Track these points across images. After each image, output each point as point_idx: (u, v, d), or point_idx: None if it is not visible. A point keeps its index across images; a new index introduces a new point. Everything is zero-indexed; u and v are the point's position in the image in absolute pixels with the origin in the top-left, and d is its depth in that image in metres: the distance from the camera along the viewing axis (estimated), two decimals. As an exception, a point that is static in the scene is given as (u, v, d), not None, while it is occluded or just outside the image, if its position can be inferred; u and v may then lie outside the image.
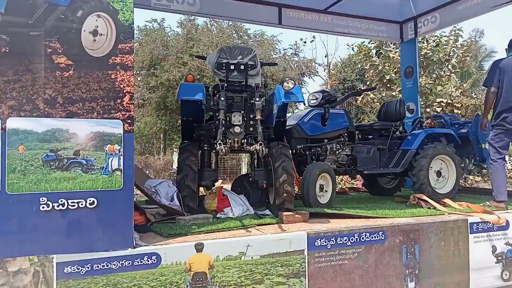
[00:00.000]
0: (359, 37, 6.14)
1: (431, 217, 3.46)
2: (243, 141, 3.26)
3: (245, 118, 3.27)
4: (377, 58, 13.72)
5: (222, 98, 3.04)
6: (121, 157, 2.32)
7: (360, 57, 14.72)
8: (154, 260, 2.35)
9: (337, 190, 5.81)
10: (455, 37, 13.45)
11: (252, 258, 2.62)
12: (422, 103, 15.07)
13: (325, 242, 2.85)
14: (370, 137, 4.62)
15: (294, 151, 4.01)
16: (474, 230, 3.43)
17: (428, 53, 14.43)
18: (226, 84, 3.22)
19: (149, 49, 16.56)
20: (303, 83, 19.77)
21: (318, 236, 2.84)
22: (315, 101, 4.17)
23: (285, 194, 3.20)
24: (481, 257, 3.44)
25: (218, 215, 3.25)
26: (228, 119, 3.24)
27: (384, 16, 6.24)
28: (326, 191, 3.76)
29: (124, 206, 2.32)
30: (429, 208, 3.82)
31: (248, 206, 3.40)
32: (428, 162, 4.18)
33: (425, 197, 3.93)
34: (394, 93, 13.24)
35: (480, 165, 4.77)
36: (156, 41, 16.69)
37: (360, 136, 4.81)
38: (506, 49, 4.24)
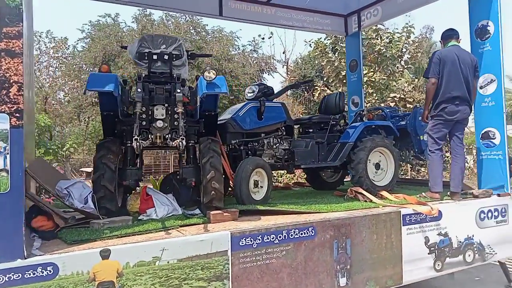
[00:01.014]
0: (304, 30, 6.05)
1: (364, 210, 3.40)
2: (167, 136, 3.04)
3: (170, 112, 3.06)
4: (333, 54, 13.89)
5: (139, 90, 2.81)
6: (8, 156, 2.05)
7: (316, 53, 14.91)
8: (50, 271, 2.09)
9: (281, 185, 5.74)
10: (407, 34, 13.89)
11: (168, 262, 2.42)
12: (376, 98, 15.49)
13: (251, 241, 2.70)
14: (310, 130, 4.54)
15: (229, 147, 3.84)
16: (407, 222, 3.41)
17: (382, 49, 14.81)
18: (144, 75, 2.99)
19: (102, 45, 15.84)
20: (262, 80, 19.69)
21: (243, 235, 2.68)
22: (251, 94, 4.01)
23: (213, 192, 3.02)
24: (413, 248, 3.42)
25: (140, 217, 3.02)
26: (150, 113, 3.02)
27: (329, 9, 6.18)
28: (262, 187, 3.62)
29: (12, 212, 2.04)
30: (365, 201, 3.78)
31: (176, 206, 3.20)
32: (366, 155, 4.14)
33: (361, 190, 3.88)
34: (350, 89, 13.49)
35: (418, 157, 4.82)
36: (110, 37, 15.98)
37: (301, 130, 4.72)
38: (440, 41, 4.27)
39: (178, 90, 2.90)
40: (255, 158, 3.65)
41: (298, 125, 4.71)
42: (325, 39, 14.02)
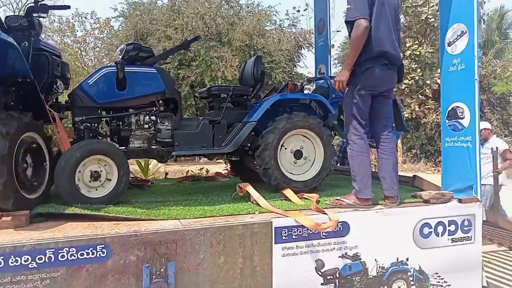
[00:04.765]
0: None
1: (216, 218, 2.38)
2: None
3: None
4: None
5: None
6: None
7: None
8: None
9: (210, 174, 4.77)
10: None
11: None
12: (421, 74, 13.65)
13: (-16, 265, 1.83)
14: (212, 106, 3.48)
15: (77, 126, 2.95)
16: (284, 238, 2.33)
17: (430, 18, 12.93)
18: None
19: (132, 23, 15.45)
20: (301, 56, 18.33)
21: (-31, 256, 1.82)
22: (119, 56, 3.05)
23: (-14, 188, 2.18)
24: (295, 276, 2.34)
25: None
26: None
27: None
28: (109, 179, 2.71)
29: None
30: (253, 202, 2.73)
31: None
32: (277, 139, 3.04)
33: (249, 188, 2.83)
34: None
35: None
36: (143, 15, 15.54)
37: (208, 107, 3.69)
38: None
39: None
40: (92, 142, 2.73)
41: (204, 99, 3.68)
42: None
